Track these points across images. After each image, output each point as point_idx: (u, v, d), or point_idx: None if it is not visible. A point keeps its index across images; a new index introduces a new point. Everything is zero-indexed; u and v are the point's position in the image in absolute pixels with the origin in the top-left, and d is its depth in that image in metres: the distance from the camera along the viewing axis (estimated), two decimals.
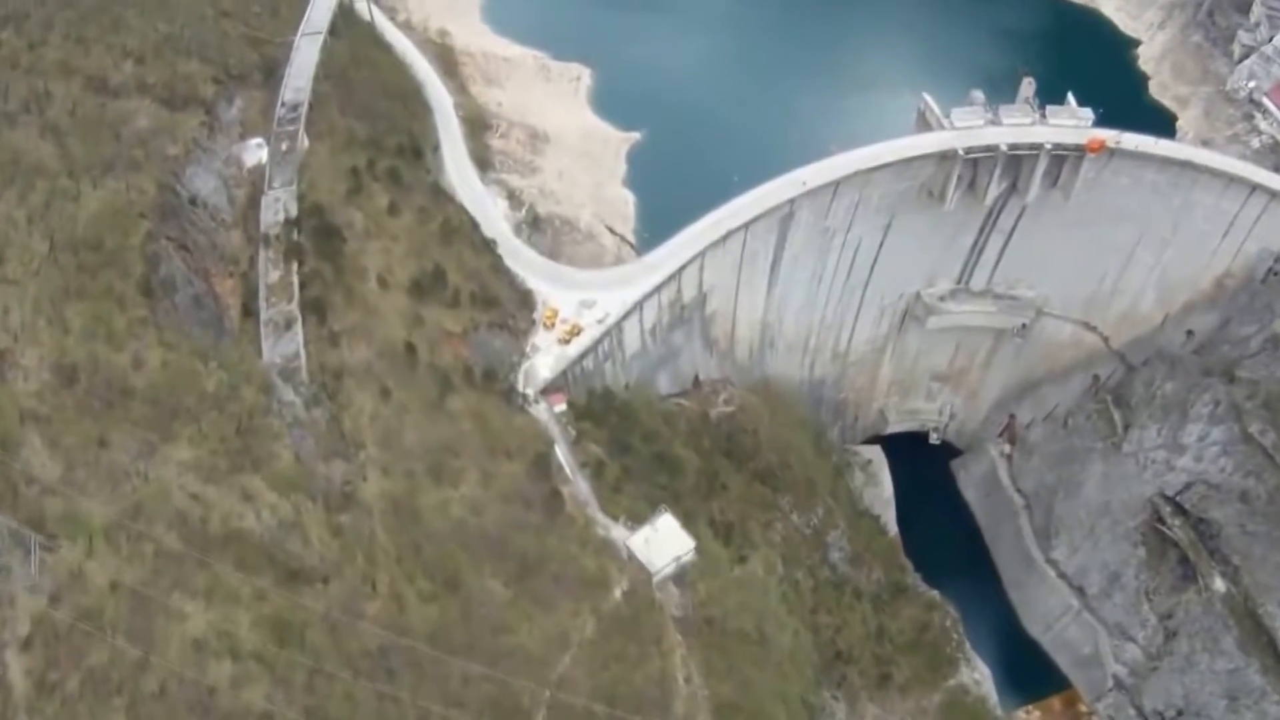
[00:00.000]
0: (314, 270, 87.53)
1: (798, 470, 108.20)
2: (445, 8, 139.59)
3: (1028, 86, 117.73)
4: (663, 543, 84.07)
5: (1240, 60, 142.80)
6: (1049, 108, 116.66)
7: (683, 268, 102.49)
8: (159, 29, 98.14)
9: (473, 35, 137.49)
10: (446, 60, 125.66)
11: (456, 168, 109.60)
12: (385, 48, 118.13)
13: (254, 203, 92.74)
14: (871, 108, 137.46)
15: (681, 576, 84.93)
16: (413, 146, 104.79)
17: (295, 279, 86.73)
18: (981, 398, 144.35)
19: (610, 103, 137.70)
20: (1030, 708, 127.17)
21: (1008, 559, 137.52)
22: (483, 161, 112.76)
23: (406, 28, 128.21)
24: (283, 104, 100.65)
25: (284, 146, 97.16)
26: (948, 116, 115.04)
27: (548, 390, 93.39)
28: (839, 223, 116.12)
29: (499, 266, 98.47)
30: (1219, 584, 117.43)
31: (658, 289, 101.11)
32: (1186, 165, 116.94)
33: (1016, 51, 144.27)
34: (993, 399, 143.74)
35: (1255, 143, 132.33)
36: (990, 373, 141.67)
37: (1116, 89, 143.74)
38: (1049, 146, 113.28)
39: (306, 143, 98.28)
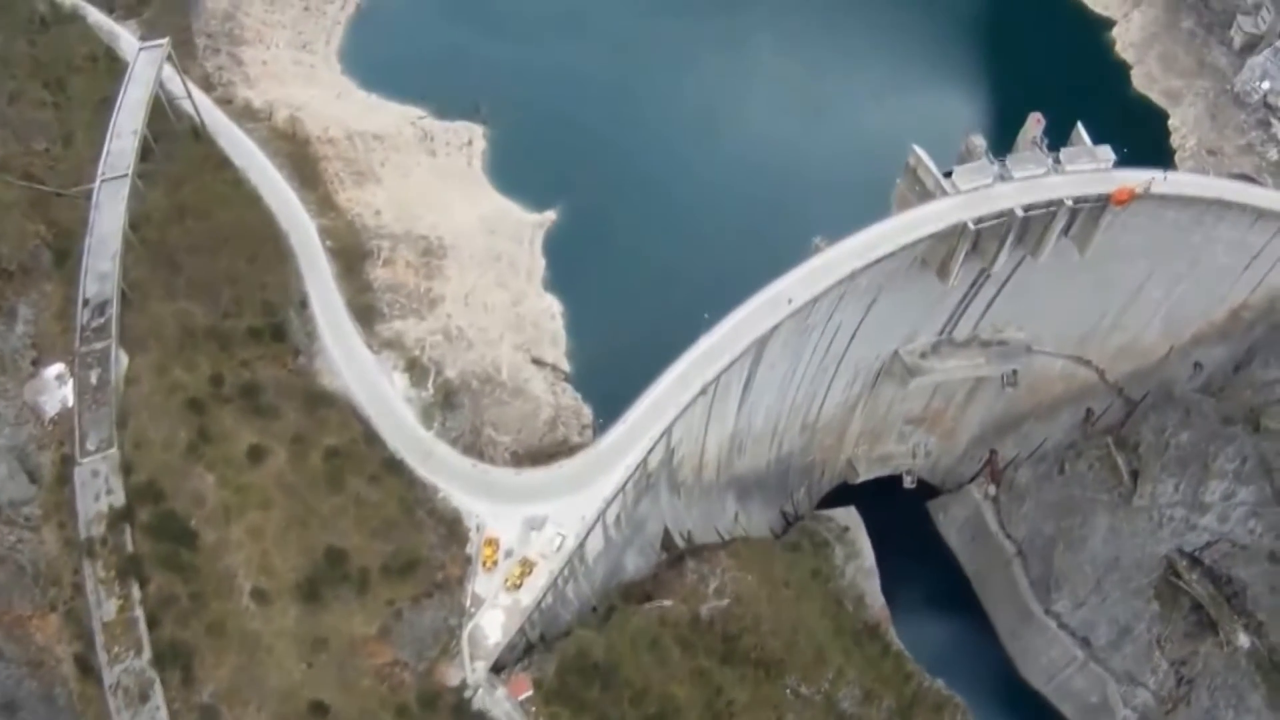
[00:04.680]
0: (163, 593, 59.71)
1: (805, 644, 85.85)
2: (295, 66, 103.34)
3: (1035, 125, 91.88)
4: None
5: (1242, 50, 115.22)
6: (1063, 151, 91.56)
7: (650, 449, 75.94)
8: None
9: (333, 102, 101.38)
10: (302, 161, 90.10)
11: (333, 331, 78.13)
12: (220, 164, 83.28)
13: (66, 475, 63.35)
14: (839, 140, 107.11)
15: None
16: (271, 324, 74.19)
17: (140, 613, 58.93)
18: (959, 436, 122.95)
19: (514, 172, 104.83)
20: None
21: (1002, 608, 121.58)
22: (366, 311, 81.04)
23: (247, 116, 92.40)
24: (85, 302, 69.46)
25: (94, 375, 66.81)
26: (947, 176, 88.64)
27: (501, 668, 67.74)
28: (819, 319, 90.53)
29: (410, 497, 69.87)
30: (1243, 639, 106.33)
31: (621, 486, 74.68)
32: (1215, 203, 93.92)
33: (976, 46, 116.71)
34: (971, 436, 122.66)
35: (1274, 154, 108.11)
36: (969, 412, 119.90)
37: (1093, 80, 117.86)
38: (1069, 203, 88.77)
39: (124, 361, 67.90)
